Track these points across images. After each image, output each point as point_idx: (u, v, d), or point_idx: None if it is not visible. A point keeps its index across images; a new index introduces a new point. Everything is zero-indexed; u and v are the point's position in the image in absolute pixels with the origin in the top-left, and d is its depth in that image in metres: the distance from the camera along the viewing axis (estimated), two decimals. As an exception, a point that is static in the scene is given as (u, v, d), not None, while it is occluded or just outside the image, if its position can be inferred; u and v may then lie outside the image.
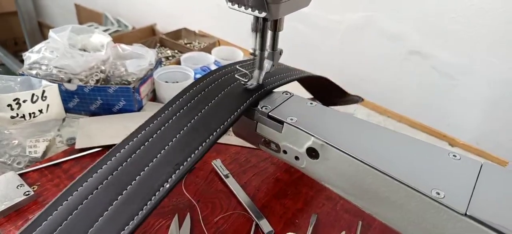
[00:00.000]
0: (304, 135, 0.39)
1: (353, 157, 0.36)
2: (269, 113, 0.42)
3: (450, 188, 0.33)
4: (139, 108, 0.81)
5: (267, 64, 0.43)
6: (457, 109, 1.18)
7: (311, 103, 0.44)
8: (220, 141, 0.73)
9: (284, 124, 0.41)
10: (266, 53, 0.42)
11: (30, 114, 0.67)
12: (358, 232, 0.57)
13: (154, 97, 0.88)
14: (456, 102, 1.19)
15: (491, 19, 1.04)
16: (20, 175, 0.61)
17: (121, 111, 0.79)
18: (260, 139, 0.44)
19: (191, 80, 0.86)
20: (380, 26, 1.25)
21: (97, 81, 0.78)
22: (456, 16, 1.03)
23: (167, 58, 1.10)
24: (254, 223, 0.57)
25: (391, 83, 1.19)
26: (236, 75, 0.44)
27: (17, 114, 0.66)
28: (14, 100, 0.64)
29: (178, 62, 0.99)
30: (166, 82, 0.85)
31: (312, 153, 0.39)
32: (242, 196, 0.61)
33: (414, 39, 1.20)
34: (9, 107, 0.64)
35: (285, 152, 0.42)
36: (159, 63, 0.90)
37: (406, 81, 1.19)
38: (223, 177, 0.64)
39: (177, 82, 0.86)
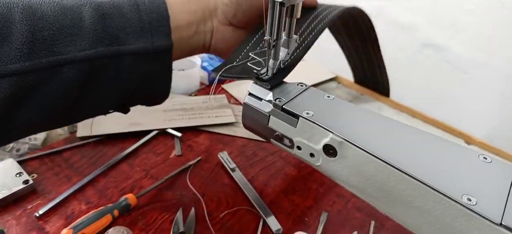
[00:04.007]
0: (321, 130, 0.36)
1: (375, 156, 0.33)
2: (283, 106, 0.39)
3: (482, 194, 0.30)
4: (143, 96, 0.78)
5: (282, 53, 0.40)
6: (469, 104, 1.14)
7: (329, 97, 0.41)
8: (225, 132, 0.71)
9: (300, 118, 0.38)
10: (281, 41, 0.39)
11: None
12: (371, 232, 0.55)
13: (158, 85, 0.85)
14: (469, 97, 1.15)
15: (508, 13, 1.00)
16: (19, 162, 0.58)
17: (124, 99, 0.76)
18: (272, 133, 0.41)
19: (197, 69, 0.83)
20: (393, 17, 1.21)
21: (100, 67, 0.75)
22: (472, 8, 0.99)
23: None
24: (261, 220, 0.54)
25: (402, 76, 1.16)
26: (248, 63, 0.41)
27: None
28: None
29: (184, 50, 0.96)
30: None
31: (330, 150, 0.37)
32: (249, 191, 0.58)
33: (427, 31, 1.16)
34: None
35: (299, 148, 0.39)
36: (164, 50, 0.87)
37: (418, 74, 1.16)
38: (229, 170, 0.62)
39: (183, 70, 0.83)
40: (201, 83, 0.86)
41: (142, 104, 0.52)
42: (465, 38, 1.12)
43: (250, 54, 0.43)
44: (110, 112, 0.50)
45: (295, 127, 0.39)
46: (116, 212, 0.51)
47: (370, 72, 0.90)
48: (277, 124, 0.40)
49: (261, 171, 0.63)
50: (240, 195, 0.58)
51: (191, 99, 0.79)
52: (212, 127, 0.72)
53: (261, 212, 0.55)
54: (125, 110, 0.51)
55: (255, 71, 0.41)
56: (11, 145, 0.63)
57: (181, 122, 0.71)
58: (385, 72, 0.88)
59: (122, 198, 0.53)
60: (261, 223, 0.54)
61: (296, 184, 0.62)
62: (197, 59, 0.85)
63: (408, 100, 0.92)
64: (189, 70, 0.82)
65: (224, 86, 0.87)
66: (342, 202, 0.59)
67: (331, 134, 0.36)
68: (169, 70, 0.48)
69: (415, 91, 1.10)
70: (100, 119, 0.69)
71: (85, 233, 0.47)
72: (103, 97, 0.45)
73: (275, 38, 0.37)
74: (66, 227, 0.47)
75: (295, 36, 0.41)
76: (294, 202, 0.58)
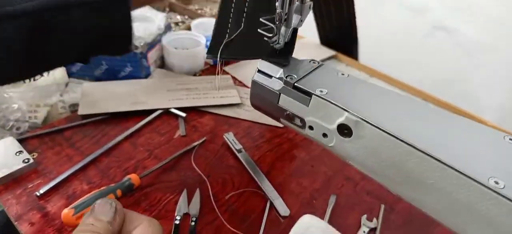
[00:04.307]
0: (336, 109, 0.34)
1: (394, 136, 0.31)
2: (295, 84, 0.37)
3: (510, 177, 0.28)
4: (147, 75, 0.76)
5: (295, 19, 0.37)
6: (481, 88, 1.12)
7: (343, 74, 0.39)
8: (230, 114, 0.69)
9: (313, 96, 0.36)
10: (294, 7, 0.36)
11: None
12: (381, 216, 0.53)
13: (162, 64, 0.82)
14: (480, 81, 1.12)
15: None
16: (19, 141, 0.57)
17: (127, 78, 0.74)
18: (282, 113, 0.39)
19: (202, 48, 0.80)
20: (404, -3, 1.17)
21: (102, 44, 0.73)
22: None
23: (176, 24, 1.04)
24: (268, 202, 0.53)
25: (412, 59, 1.13)
26: (259, 30, 0.38)
27: (16, 77, 0.61)
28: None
29: (188, 29, 0.93)
30: (176, 49, 0.80)
31: (344, 130, 0.35)
32: (255, 172, 0.57)
33: (440, 13, 1.13)
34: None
35: (311, 128, 0.37)
36: (168, 28, 0.84)
37: (429, 57, 1.13)
38: (235, 151, 0.60)
39: (187, 49, 0.80)
40: (205, 63, 0.84)
41: (104, 54, 0.52)
42: (479, 22, 1.09)
43: (261, 19, 0.40)
44: (73, 63, 0.50)
45: (308, 106, 0.36)
46: (119, 192, 0.50)
47: (338, 26, 0.85)
48: (288, 103, 0.38)
49: (268, 153, 0.62)
50: (246, 176, 0.57)
51: (195, 80, 0.77)
52: (217, 108, 0.70)
53: (268, 194, 0.53)
54: (86, 62, 0.50)
55: (266, 38, 0.38)
56: (11, 123, 0.61)
57: (185, 102, 0.69)
58: (355, 26, 0.84)
59: (125, 178, 0.51)
60: (268, 206, 0.52)
61: (303, 166, 0.60)
62: (201, 38, 0.82)
63: (418, 84, 0.89)
64: (193, 49, 0.80)
65: (227, 68, 0.84)
66: (351, 185, 0.57)
67: (346, 112, 0.34)
68: (128, 19, 0.46)
69: (425, 74, 1.08)
70: (102, 97, 0.68)
71: (87, 213, 0.46)
72: (62, 48, 0.44)
73: (288, 4, 0.35)
74: (67, 206, 0.45)
75: (308, 2, 0.38)
76: (302, 184, 0.56)
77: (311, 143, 0.64)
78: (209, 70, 0.84)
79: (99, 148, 0.58)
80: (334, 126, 0.35)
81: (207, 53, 0.40)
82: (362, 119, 0.33)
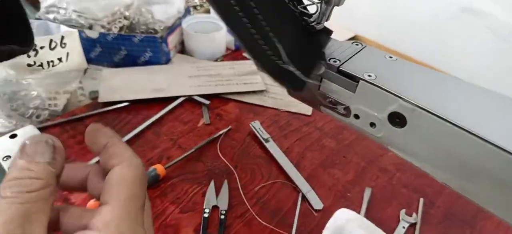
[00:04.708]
0: (388, 96, 0.31)
1: (456, 125, 0.28)
2: (340, 68, 0.33)
3: None
4: (167, 61, 0.74)
5: None
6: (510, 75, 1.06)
7: (391, 57, 0.35)
8: (255, 101, 0.66)
9: (360, 81, 0.32)
10: None
11: (48, 62, 0.60)
12: (420, 210, 0.50)
13: (182, 49, 0.79)
14: (510, 67, 1.06)
15: None
16: (39, 129, 0.55)
17: (147, 63, 0.71)
18: (324, 99, 0.35)
19: (223, 32, 0.77)
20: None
21: (121, 29, 0.70)
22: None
23: (194, 7, 1.01)
24: (300, 194, 0.50)
25: (437, 43, 1.08)
26: (299, 7, 0.34)
27: (35, 62, 0.59)
28: (31, 46, 0.57)
29: (207, 12, 0.90)
30: (196, 33, 0.77)
31: (396, 119, 0.31)
32: (284, 163, 0.54)
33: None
34: (26, 53, 0.57)
35: (357, 116, 0.34)
36: (187, 11, 0.81)
37: (455, 41, 1.08)
38: (263, 140, 0.57)
39: (207, 33, 0.77)
40: (227, 49, 0.81)
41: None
42: (510, 3, 1.02)
43: None
44: None
45: (354, 92, 0.33)
46: (144, 184, 0.47)
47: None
48: (331, 88, 0.35)
49: (297, 142, 0.58)
50: (275, 167, 0.54)
51: (217, 65, 0.74)
52: (241, 95, 0.67)
53: (299, 187, 0.50)
54: None
55: (305, 17, 0.34)
56: (31, 110, 0.59)
57: (208, 89, 0.66)
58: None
59: (151, 169, 0.49)
60: (299, 198, 0.49)
61: (334, 156, 0.57)
62: (222, 22, 0.79)
63: (443, 69, 0.85)
64: (213, 33, 0.76)
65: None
66: (386, 177, 0.54)
67: (400, 99, 0.30)
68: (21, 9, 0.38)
69: (450, 59, 1.03)
70: (122, 84, 0.65)
71: (113, 205, 0.44)
72: None
73: None
74: (92, 198, 0.43)
75: None
76: (334, 176, 0.53)
77: (341, 131, 0.61)
78: (231, 55, 0.80)
79: (121, 136, 0.56)
80: (385, 115, 0.32)
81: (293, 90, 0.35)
82: (419, 107, 0.30)
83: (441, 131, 0.29)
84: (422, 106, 0.30)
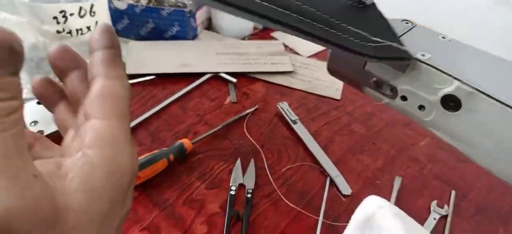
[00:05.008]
0: (443, 77, 0.29)
1: (519, 112, 0.26)
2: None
3: None
4: (194, 37, 0.72)
5: None
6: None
7: (444, 38, 0.33)
8: (282, 82, 0.64)
9: (412, 60, 0.30)
10: None
11: (77, 30, 0.60)
12: (452, 202, 0.48)
13: (209, 26, 0.78)
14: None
15: None
16: (67, 97, 0.54)
17: (174, 38, 0.70)
18: (368, 79, 0.34)
19: (251, 10, 0.75)
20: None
21: (149, 1, 0.69)
22: None
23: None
24: (328, 179, 0.49)
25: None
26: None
27: (63, 29, 0.58)
28: (60, 12, 0.57)
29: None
30: (223, 10, 0.75)
31: (450, 102, 0.29)
32: (312, 146, 0.53)
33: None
34: (55, 20, 0.57)
35: (404, 98, 0.32)
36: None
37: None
38: (290, 122, 0.56)
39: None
40: (254, 28, 0.79)
41: None
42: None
43: None
44: None
45: (404, 72, 0.31)
46: (171, 156, 0.47)
47: None
48: (378, 67, 0.33)
49: (325, 126, 0.57)
50: (303, 149, 0.53)
51: (244, 44, 0.72)
52: (268, 75, 0.65)
53: (327, 170, 0.49)
54: None
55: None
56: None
57: (235, 67, 0.65)
58: None
59: (178, 142, 0.48)
60: (327, 183, 0.48)
61: (364, 142, 0.55)
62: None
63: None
64: (241, 12, 0.75)
65: (274, 34, 0.79)
66: (416, 167, 0.52)
67: (457, 81, 0.28)
68: None
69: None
70: (148, 57, 0.64)
71: (140, 176, 0.43)
72: None
73: None
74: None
75: None
76: (363, 162, 0.52)
77: (370, 118, 0.59)
78: (258, 35, 0.79)
79: (147, 110, 0.55)
80: (437, 97, 0.30)
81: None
82: (478, 90, 0.28)
83: (501, 117, 0.27)
84: (482, 90, 0.28)
